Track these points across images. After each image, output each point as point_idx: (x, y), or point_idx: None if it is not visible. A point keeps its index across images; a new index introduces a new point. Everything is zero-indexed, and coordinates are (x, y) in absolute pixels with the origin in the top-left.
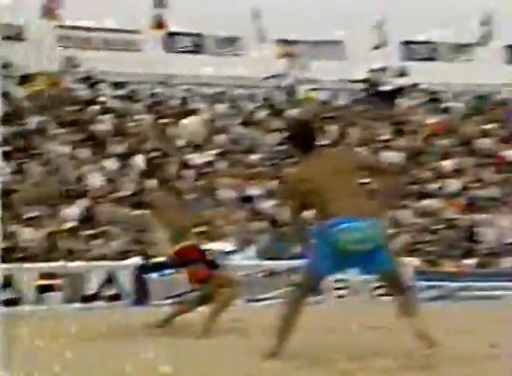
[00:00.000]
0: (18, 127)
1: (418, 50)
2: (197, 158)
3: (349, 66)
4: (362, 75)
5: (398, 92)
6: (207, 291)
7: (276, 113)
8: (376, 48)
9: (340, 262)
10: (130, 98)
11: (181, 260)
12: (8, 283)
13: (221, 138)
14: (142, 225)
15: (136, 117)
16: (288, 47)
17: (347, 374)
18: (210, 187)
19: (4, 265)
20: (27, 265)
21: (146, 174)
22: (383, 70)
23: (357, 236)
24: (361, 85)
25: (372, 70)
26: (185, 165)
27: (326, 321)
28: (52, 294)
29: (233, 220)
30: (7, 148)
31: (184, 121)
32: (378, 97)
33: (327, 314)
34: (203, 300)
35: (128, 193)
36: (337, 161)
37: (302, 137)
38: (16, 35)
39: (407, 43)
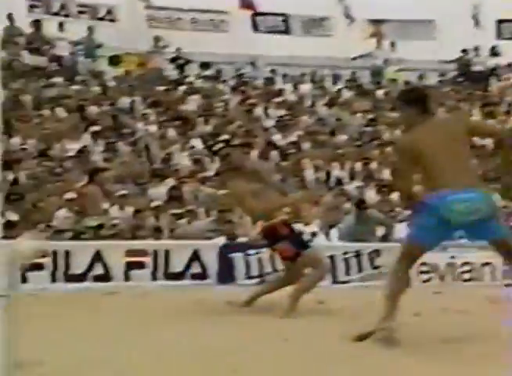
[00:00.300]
0: (108, 107)
1: None
2: (282, 139)
3: (439, 46)
4: (452, 55)
5: (491, 72)
6: (293, 271)
7: (362, 93)
8: (475, 26)
9: (445, 233)
10: (216, 78)
11: (269, 236)
12: (97, 259)
13: (306, 119)
14: (227, 205)
15: (222, 97)
16: (376, 27)
17: (438, 356)
18: (296, 168)
19: (94, 242)
20: (115, 242)
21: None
22: (475, 49)
23: (467, 208)
24: (451, 66)
25: (463, 50)
26: (270, 146)
27: (411, 305)
28: (139, 271)
29: (318, 202)
30: (97, 127)
31: None
32: (469, 78)
33: (412, 298)
34: (288, 280)
35: (214, 173)
36: (450, 128)
37: (420, 101)
38: (106, 16)
39: (501, 22)
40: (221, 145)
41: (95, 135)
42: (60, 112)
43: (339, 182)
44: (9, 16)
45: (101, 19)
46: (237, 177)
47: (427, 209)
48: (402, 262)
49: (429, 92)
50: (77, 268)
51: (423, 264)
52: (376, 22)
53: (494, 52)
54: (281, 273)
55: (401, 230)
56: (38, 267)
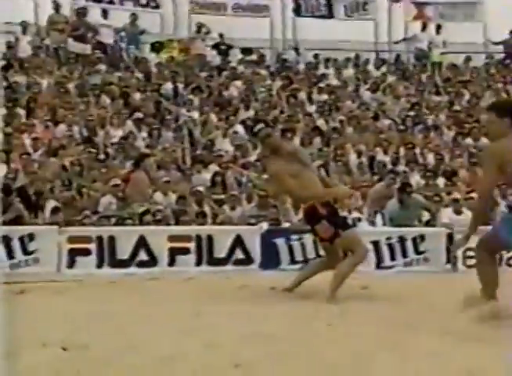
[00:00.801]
0: (151, 93)
1: None
2: (325, 124)
3: (486, 28)
4: (500, 37)
5: None
6: (332, 254)
7: (406, 77)
8: None
9: None
10: (259, 64)
11: (309, 217)
12: (141, 244)
13: (349, 103)
14: (269, 189)
15: (265, 82)
16: (420, 9)
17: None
18: (339, 153)
19: (138, 228)
20: (159, 227)
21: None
22: None
23: None
24: (498, 48)
25: (510, 32)
26: (313, 131)
27: (456, 291)
28: (183, 256)
29: (361, 186)
30: (140, 114)
31: None
32: None
33: (457, 283)
34: (328, 263)
35: (256, 158)
36: None
37: None
38: (150, 2)
39: None
40: (261, 126)
41: (139, 122)
42: (104, 99)
43: (383, 166)
44: (54, 4)
45: (144, 5)
46: (277, 158)
47: None
48: (486, 252)
49: None
50: (122, 253)
51: (469, 249)
52: (421, 4)
53: None
54: (321, 257)
55: (445, 215)
56: (85, 252)
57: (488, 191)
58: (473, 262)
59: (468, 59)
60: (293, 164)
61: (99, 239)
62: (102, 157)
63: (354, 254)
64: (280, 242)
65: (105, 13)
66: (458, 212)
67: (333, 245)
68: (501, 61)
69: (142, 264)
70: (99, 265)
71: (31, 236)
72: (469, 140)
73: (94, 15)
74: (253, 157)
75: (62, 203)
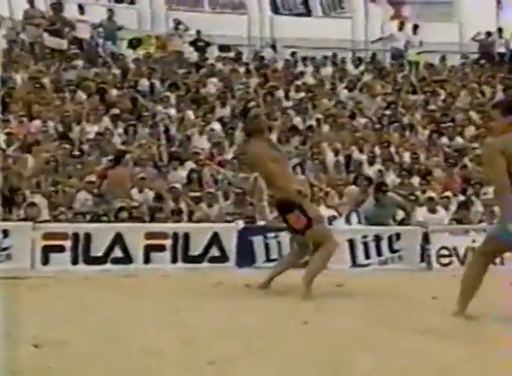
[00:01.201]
0: (127, 89)
1: None
2: (302, 122)
3: (461, 28)
4: (472, 39)
5: None
6: (302, 245)
7: (383, 76)
8: (497, 5)
9: None
10: (236, 61)
11: (282, 206)
12: (117, 242)
13: (326, 102)
14: (246, 188)
15: (242, 80)
16: (398, 8)
17: (457, 337)
18: (315, 151)
19: (114, 224)
20: (135, 224)
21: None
22: (498, 31)
23: None
24: (473, 48)
25: (485, 32)
26: (289, 129)
27: (430, 289)
28: (159, 253)
29: (337, 185)
30: (116, 110)
31: None
32: (492, 59)
33: (432, 282)
34: (298, 255)
35: (233, 155)
36: None
37: None
38: None
39: None
40: (253, 104)
41: (115, 118)
42: (80, 95)
43: (359, 165)
44: None
45: (121, 1)
46: (259, 140)
47: None
48: (485, 255)
49: None
50: (98, 250)
51: (444, 248)
52: (398, 4)
53: None
54: (291, 251)
55: (420, 214)
56: (59, 249)
57: (503, 182)
58: (447, 260)
59: (444, 59)
60: (273, 151)
61: (75, 235)
62: (77, 153)
63: (324, 249)
64: (257, 240)
65: (81, 9)
66: (432, 211)
67: (304, 237)
68: (476, 61)
69: (117, 261)
70: (74, 262)
71: (5, 233)
72: (444, 139)
73: (70, 10)
74: (230, 155)
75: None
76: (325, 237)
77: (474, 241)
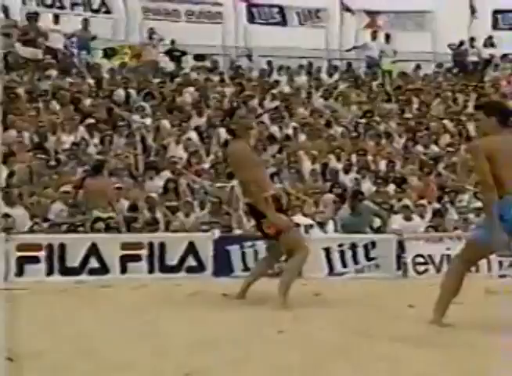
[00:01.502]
0: (102, 99)
1: (508, 19)
2: (278, 131)
3: (434, 38)
4: (448, 46)
5: (486, 63)
6: (275, 251)
7: (358, 85)
8: (471, 15)
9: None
10: (212, 70)
11: (257, 210)
12: (93, 252)
13: (301, 110)
14: (223, 198)
15: (218, 89)
16: (373, 18)
17: (434, 346)
18: (292, 160)
19: (89, 235)
20: (111, 235)
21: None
22: (470, 40)
23: None
24: (447, 57)
25: (458, 42)
26: (266, 138)
27: (406, 297)
28: (135, 264)
29: (313, 193)
30: (92, 120)
31: None
32: (465, 68)
33: (408, 290)
34: (271, 260)
35: (209, 165)
36: None
37: (502, 114)
38: (101, 8)
39: (497, 12)
40: (240, 105)
41: (90, 128)
42: (55, 105)
43: (336, 174)
44: (4, 9)
45: (95, 11)
46: (243, 142)
47: (500, 214)
48: (464, 263)
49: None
50: (73, 261)
51: (419, 256)
52: (372, 13)
53: (489, 43)
54: (263, 257)
55: (395, 221)
56: (34, 260)
57: (489, 181)
58: (422, 268)
59: (418, 68)
60: (255, 154)
61: (50, 246)
62: (53, 163)
63: (296, 257)
64: (233, 249)
65: (56, 18)
66: (408, 219)
67: (277, 242)
68: (450, 70)
69: (93, 271)
70: (49, 273)
71: None
72: (419, 147)
73: (45, 20)
74: (206, 164)
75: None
76: (297, 244)
77: (448, 249)
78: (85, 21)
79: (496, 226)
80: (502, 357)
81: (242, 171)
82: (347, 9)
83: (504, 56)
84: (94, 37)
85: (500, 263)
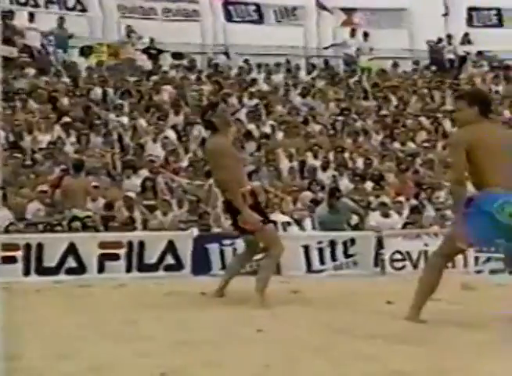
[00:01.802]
0: (79, 98)
1: (484, 17)
2: (256, 129)
3: (411, 35)
4: (424, 44)
5: (462, 60)
6: (251, 247)
7: (335, 82)
8: (444, 15)
9: (493, 233)
10: (190, 68)
11: (234, 206)
12: (70, 252)
13: (279, 108)
14: (201, 196)
15: (196, 87)
16: (349, 15)
17: (412, 342)
18: (270, 158)
19: (67, 234)
20: (88, 234)
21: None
22: (447, 37)
23: None
24: (424, 54)
25: (436, 39)
26: (244, 136)
27: (384, 293)
28: (113, 263)
29: (291, 191)
30: (68, 119)
31: None
32: (441, 66)
33: (386, 286)
34: (247, 257)
35: (187, 163)
36: (509, 135)
37: (483, 103)
38: (77, 6)
39: (472, 9)
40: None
41: (67, 127)
42: (31, 103)
43: (314, 171)
44: None
45: (71, 9)
46: (223, 136)
47: (479, 207)
48: (444, 258)
49: (491, 96)
50: (50, 261)
51: (397, 252)
52: (349, 11)
53: (466, 40)
54: (239, 254)
55: (373, 218)
56: (11, 260)
57: (461, 175)
58: (400, 264)
59: (395, 65)
60: (234, 149)
61: (27, 246)
62: (29, 162)
63: (270, 255)
64: (212, 247)
65: (31, 17)
66: (385, 216)
67: (253, 237)
68: (426, 67)
69: (70, 271)
70: (26, 273)
71: None
72: (396, 144)
73: (20, 18)
74: (184, 162)
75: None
76: (272, 241)
77: (426, 245)
78: (61, 19)
79: (460, 222)
80: (478, 353)
81: (220, 166)
82: (323, 8)
83: (479, 53)
84: (71, 36)
85: (476, 259)
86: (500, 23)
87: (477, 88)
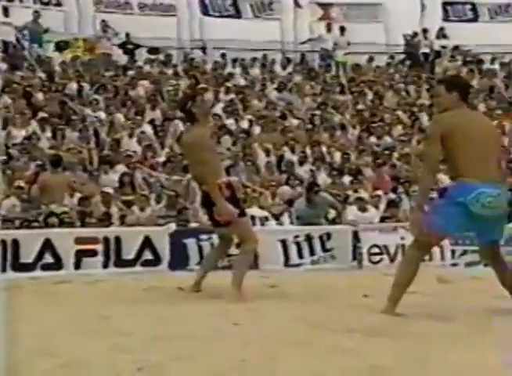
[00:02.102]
0: (55, 93)
1: (459, 11)
2: (233, 124)
3: (387, 29)
4: (400, 38)
5: (437, 54)
6: (226, 240)
7: (312, 77)
8: (421, 9)
9: (466, 224)
10: (166, 63)
11: (210, 197)
12: (46, 248)
13: (256, 103)
14: (179, 191)
15: (172, 82)
16: (326, 10)
17: (388, 336)
18: (247, 153)
19: (43, 230)
20: (65, 229)
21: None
22: (423, 31)
23: (491, 202)
24: (399, 48)
25: (412, 33)
26: (221, 130)
27: (362, 287)
28: (90, 259)
29: (269, 186)
30: (44, 114)
31: None
32: (416, 60)
33: (364, 280)
34: (221, 250)
35: (165, 158)
36: (488, 125)
37: (462, 89)
38: (53, 0)
39: (447, 4)
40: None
41: (43, 122)
42: (6, 99)
43: (291, 165)
44: None
45: (46, 3)
46: (202, 127)
47: (453, 197)
48: (419, 250)
49: (469, 82)
50: (27, 257)
51: (374, 246)
52: (325, 5)
53: (441, 35)
54: (213, 248)
55: (350, 213)
56: None
57: (433, 162)
58: (377, 258)
59: (371, 60)
60: (212, 142)
61: (2, 242)
62: (4, 158)
63: (244, 249)
64: (190, 242)
65: (5, 11)
66: (363, 209)
67: (228, 230)
68: (402, 61)
69: (47, 267)
70: (2, 270)
71: None
72: (373, 139)
73: None
74: (162, 158)
75: None
76: (246, 235)
77: (403, 238)
78: (36, 14)
79: (418, 212)
80: (454, 346)
81: (198, 159)
82: (297, 5)
83: (456, 47)
84: (46, 30)
85: (453, 252)
86: (475, 18)
87: (457, 75)
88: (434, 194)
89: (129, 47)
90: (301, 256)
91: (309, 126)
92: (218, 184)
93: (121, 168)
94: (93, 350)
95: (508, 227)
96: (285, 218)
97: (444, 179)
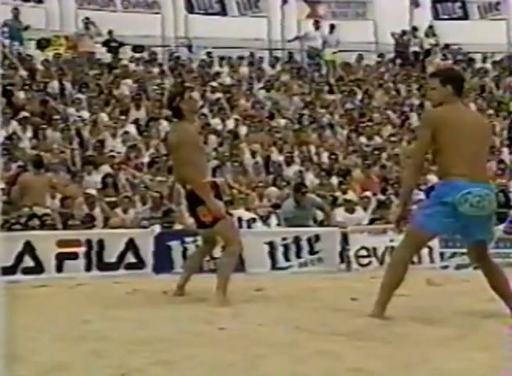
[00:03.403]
0: (36, 92)
1: (449, 9)
2: (219, 123)
3: (376, 27)
4: (389, 36)
5: (428, 53)
6: (209, 241)
7: (300, 76)
8: (416, 6)
9: (454, 224)
10: (151, 62)
11: (194, 197)
12: (27, 250)
13: (243, 102)
14: (164, 192)
15: (157, 81)
16: (314, 7)
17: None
18: (234, 153)
19: (24, 233)
20: (46, 232)
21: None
22: (413, 30)
23: (479, 202)
24: (389, 47)
25: (400, 32)
26: (208, 130)
27: (349, 290)
28: (72, 262)
29: (256, 187)
30: (25, 113)
31: None
32: (406, 59)
33: (352, 283)
34: (204, 251)
35: (149, 159)
36: (480, 122)
37: (457, 83)
38: None
39: (437, 2)
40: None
41: (24, 122)
42: None
43: (279, 166)
44: None
45: (26, 0)
46: (189, 125)
47: (441, 197)
48: (408, 250)
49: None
50: (7, 260)
51: (363, 248)
52: (313, 3)
53: (431, 33)
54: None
55: (339, 214)
56: None
57: (419, 156)
58: (366, 260)
59: (360, 58)
60: (199, 139)
61: None
62: None
63: (228, 252)
64: (174, 244)
65: None
66: (351, 211)
67: (212, 230)
68: (392, 60)
69: (28, 271)
70: None
71: None
72: (362, 139)
73: None
74: (146, 158)
75: None
76: (230, 236)
77: (392, 241)
78: (16, 10)
79: (398, 210)
80: (443, 349)
81: (183, 159)
82: (283, 1)
83: (446, 46)
84: (27, 28)
85: (442, 254)
86: (465, 16)
87: (451, 68)
88: (422, 194)
89: (113, 45)
90: (288, 259)
91: (297, 126)
92: (204, 183)
93: (105, 168)
94: (73, 355)
95: (497, 229)
96: (272, 219)
97: (433, 180)
